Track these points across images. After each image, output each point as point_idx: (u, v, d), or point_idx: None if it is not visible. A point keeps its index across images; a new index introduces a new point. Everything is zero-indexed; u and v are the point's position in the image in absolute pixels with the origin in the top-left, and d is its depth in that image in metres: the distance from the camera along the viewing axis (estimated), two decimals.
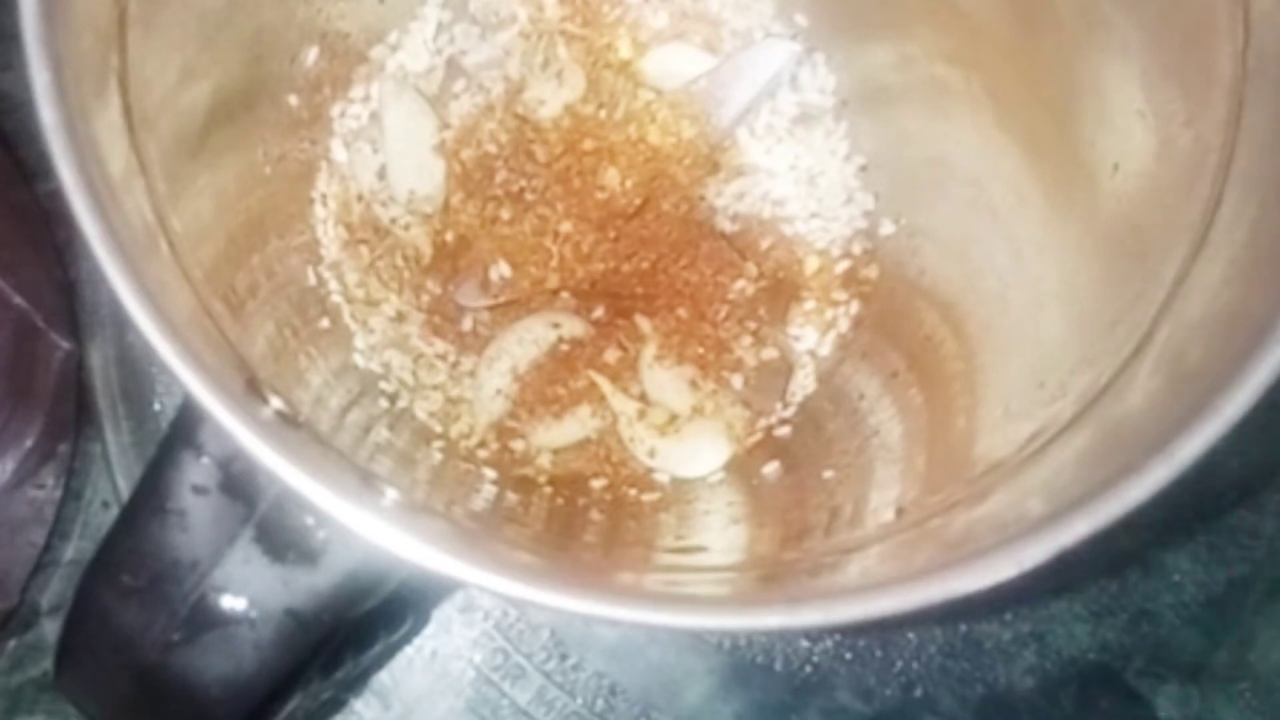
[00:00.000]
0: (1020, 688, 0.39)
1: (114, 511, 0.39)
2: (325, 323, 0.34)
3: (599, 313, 0.35)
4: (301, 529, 0.23)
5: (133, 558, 0.24)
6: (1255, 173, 0.22)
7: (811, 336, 0.36)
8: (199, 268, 0.24)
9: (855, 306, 0.36)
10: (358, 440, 0.30)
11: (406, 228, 0.35)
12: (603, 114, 0.36)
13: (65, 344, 0.37)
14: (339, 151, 0.36)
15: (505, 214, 0.34)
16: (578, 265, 0.34)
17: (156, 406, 0.38)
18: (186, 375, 0.20)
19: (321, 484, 0.20)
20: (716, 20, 0.37)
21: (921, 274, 0.34)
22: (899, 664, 0.39)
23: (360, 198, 0.36)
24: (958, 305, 0.32)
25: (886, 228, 0.36)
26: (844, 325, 0.36)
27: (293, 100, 0.33)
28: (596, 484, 0.34)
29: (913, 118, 0.35)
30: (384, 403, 0.34)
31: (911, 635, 0.39)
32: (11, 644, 0.38)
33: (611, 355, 0.34)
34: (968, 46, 0.31)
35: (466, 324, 0.35)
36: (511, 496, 0.34)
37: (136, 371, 0.39)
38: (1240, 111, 0.23)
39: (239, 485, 0.23)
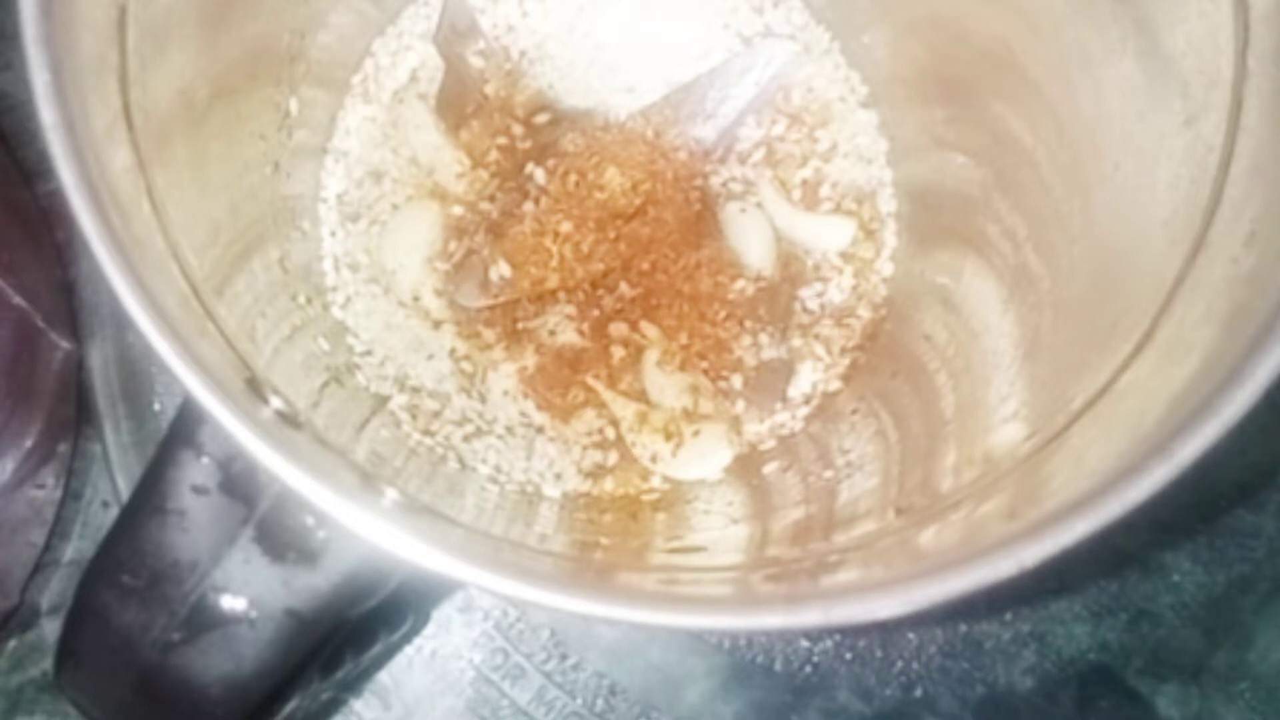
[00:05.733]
0: (1020, 688, 0.39)
1: (114, 511, 0.39)
2: (327, 322, 0.34)
3: (599, 313, 0.35)
4: (301, 529, 0.23)
5: (133, 558, 0.24)
6: (1255, 173, 0.22)
7: (812, 336, 0.36)
8: (199, 267, 0.24)
9: (857, 306, 0.36)
10: (355, 439, 0.30)
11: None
12: (603, 115, 0.36)
13: (65, 344, 0.37)
14: (340, 151, 0.36)
15: (505, 214, 0.34)
16: (578, 265, 0.34)
17: (156, 406, 0.38)
18: (186, 375, 0.20)
19: (321, 484, 0.20)
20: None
21: (923, 273, 0.35)
22: (899, 664, 0.39)
23: (361, 197, 0.36)
24: (959, 305, 0.32)
25: (891, 228, 0.36)
26: (845, 324, 0.36)
27: (293, 101, 0.33)
28: (599, 483, 0.34)
29: (917, 114, 0.35)
30: (390, 403, 0.34)
31: (911, 635, 0.39)
32: (11, 644, 0.38)
33: (612, 356, 0.34)
34: (963, 50, 0.31)
35: (469, 326, 0.35)
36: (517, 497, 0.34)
37: (136, 371, 0.39)
38: (1240, 111, 0.23)
39: (239, 485, 0.23)
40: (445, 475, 0.34)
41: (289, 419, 0.22)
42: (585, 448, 0.35)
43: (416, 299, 0.35)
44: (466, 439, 0.34)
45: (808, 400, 0.35)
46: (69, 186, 0.20)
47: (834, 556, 0.25)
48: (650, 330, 0.34)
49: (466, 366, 0.35)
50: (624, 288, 0.34)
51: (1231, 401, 0.19)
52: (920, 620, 0.39)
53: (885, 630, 0.39)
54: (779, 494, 0.33)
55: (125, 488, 0.38)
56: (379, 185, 0.36)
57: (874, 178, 0.36)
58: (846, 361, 0.35)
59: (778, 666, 0.38)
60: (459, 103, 0.36)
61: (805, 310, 0.36)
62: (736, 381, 0.35)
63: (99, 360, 0.39)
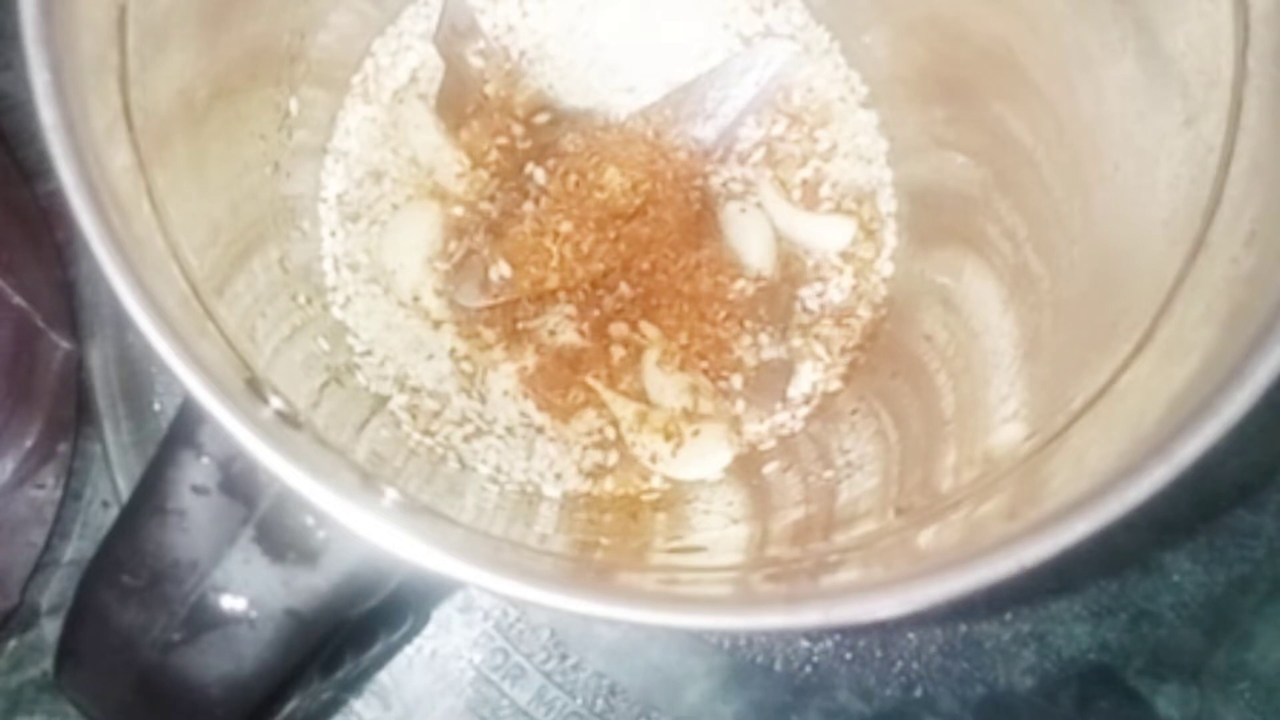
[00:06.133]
0: (1020, 688, 0.39)
1: (114, 511, 0.39)
2: (327, 322, 0.34)
3: (599, 313, 0.35)
4: (301, 529, 0.23)
5: (133, 558, 0.24)
6: (1255, 173, 0.22)
7: (812, 336, 0.36)
8: (199, 267, 0.24)
9: (857, 306, 0.36)
10: (355, 439, 0.30)
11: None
12: (603, 115, 0.36)
13: (65, 344, 0.37)
14: (340, 151, 0.36)
15: (505, 214, 0.34)
16: (578, 265, 0.34)
17: (156, 406, 0.38)
18: (186, 375, 0.20)
19: (321, 484, 0.20)
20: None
21: (923, 273, 0.35)
22: (899, 664, 0.39)
23: (361, 197, 0.36)
24: (959, 305, 0.32)
25: (891, 228, 0.36)
26: (845, 324, 0.36)
27: (293, 101, 0.33)
28: (599, 483, 0.34)
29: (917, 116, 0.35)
30: (390, 403, 0.34)
31: (911, 635, 0.39)
32: (11, 644, 0.38)
33: (612, 356, 0.34)
34: (963, 50, 0.31)
35: (469, 326, 0.35)
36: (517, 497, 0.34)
37: (136, 371, 0.39)
38: (1240, 111, 0.23)
39: (239, 485, 0.23)
40: (445, 475, 0.34)
41: (289, 419, 0.22)
42: (585, 448, 0.35)
43: (416, 299, 0.35)
44: (466, 439, 0.34)
45: (808, 400, 0.35)
46: (69, 186, 0.20)
47: (834, 556, 0.25)
48: (650, 330, 0.34)
49: (466, 366, 0.35)
50: (624, 288, 0.34)
51: (1231, 401, 0.19)
52: (920, 620, 0.39)
53: (885, 630, 0.39)
54: (779, 494, 0.33)
55: (125, 488, 0.38)
56: (379, 185, 0.36)
57: (874, 178, 0.36)
58: (846, 361, 0.35)
59: (778, 666, 0.38)
60: (459, 103, 0.36)
61: (805, 310, 0.36)
62: (736, 381, 0.35)
63: (99, 360, 0.39)
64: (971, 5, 0.31)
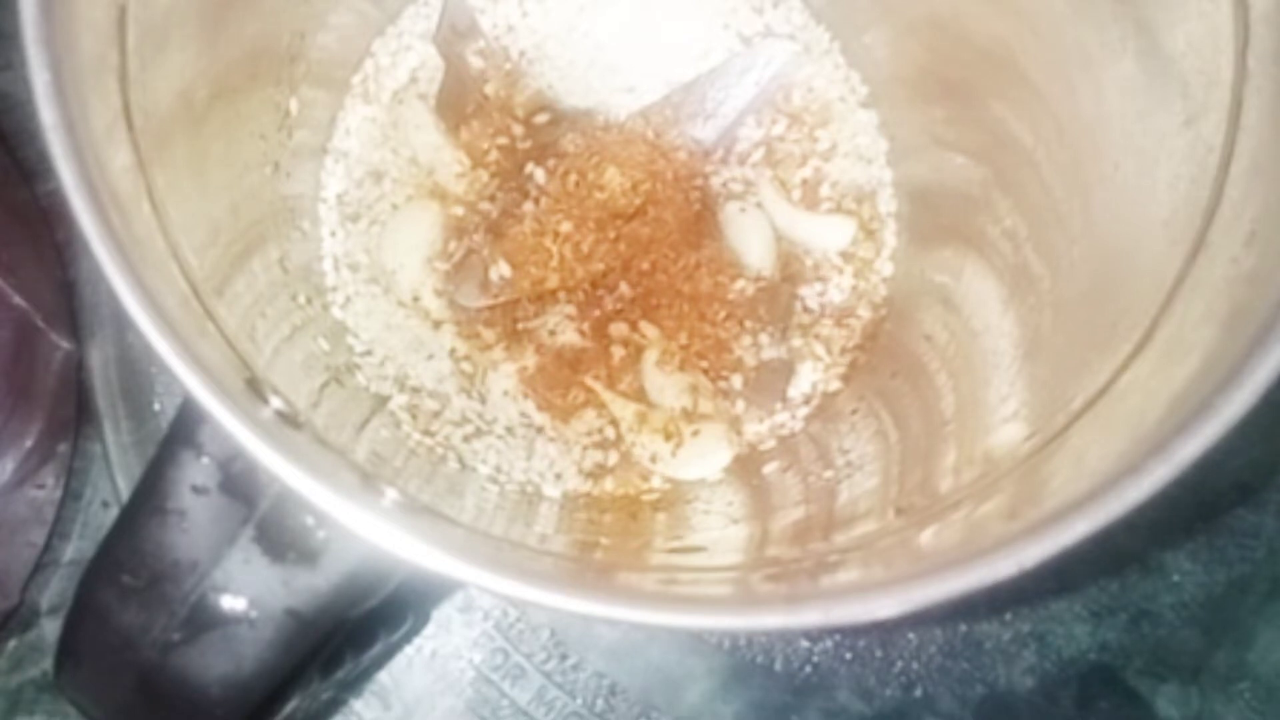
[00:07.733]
0: (1020, 688, 0.39)
1: (114, 511, 0.39)
2: (327, 322, 0.34)
3: (599, 313, 0.35)
4: (301, 529, 0.23)
5: (133, 558, 0.24)
6: (1255, 173, 0.22)
7: (812, 336, 0.36)
8: (199, 267, 0.24)
9: (857, 306, 0.36)
10: (355, 439, 0.30)
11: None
12: (603, 115, 0.36)
13: (65, 344, 0.37)
14: (340, 151, 0.36)
15: (505, 214, 0.34)
16: (578, 265, 0.34)
17: (156, 406, 0.38)
18: (186, 375, 0.20)
19: (321, 484, 0.20)
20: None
21: (923, 273, 0.35)
22: (899, 664, 0.39)
23: (361, 197, 0.36)
24: (959, 305, 0.32)
25: (891, 228, 0.36)
26: (845, 324, 0.36)
27: (293, 101, 0.33)
28: (599, 483, 0.34)
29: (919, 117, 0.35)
30: (390, 403, 0.34)
31: (911, 635, 0.39)
32: (11, 644, 0.38)
33: (612, 356, 0.34)
34: (963, 50, 0.31)
35: (469, 326, 0.35)
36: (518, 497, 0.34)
37: (136, 371, 0.39)
38: (1240, 111, 0.23)
39: (239, 485, 0.23)
40: (445, 475, 0.34)
41: (289, 419, 0.22)
42: (585, 448, 0.35)
43: (416, 299, 0.35)
44: (466, 439, 0.34)
45: (808, 400, 0.35)
46: (69, 186, 0.20)
47: (834, 556, 0.25)
48: (650, 330, 0.34)
49: (466, 367, 0.35)
50: (624, 288, 0.34)
51: (1231, 401, 0.19)
52: (920, 620, 0.39)
53: (885, 630, 0.39)
54: (779, 494, 0.33)
55: (125, 488, 0.38)
56: (379, 185, 0.36)
57: (874, 178, 0.36)
58: (846, 361, 0.35)
59: (778, 666, 0.38)
60: (459, 103, 0.36)
61: (805, 310, 0.36)
62: (736, 381, 0.35)
63: (99, 360, 0.39)
64: (971, 5, 0.31)
